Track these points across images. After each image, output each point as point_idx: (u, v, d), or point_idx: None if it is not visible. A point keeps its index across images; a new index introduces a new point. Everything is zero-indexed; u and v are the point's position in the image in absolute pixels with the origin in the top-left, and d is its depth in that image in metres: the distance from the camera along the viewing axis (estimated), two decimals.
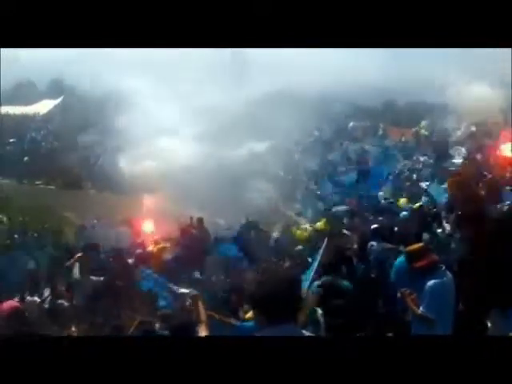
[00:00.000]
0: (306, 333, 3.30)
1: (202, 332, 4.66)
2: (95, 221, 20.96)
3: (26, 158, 30.22)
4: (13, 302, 10.25)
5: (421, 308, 5.78)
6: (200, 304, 4.98)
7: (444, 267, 6.08)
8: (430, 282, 5.77)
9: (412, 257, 6.08)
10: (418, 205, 13.66)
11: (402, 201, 15.66)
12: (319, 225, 16.43)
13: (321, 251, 8.10)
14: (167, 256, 14.89)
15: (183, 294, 5.57)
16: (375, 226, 11.35)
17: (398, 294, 6.23)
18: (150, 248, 15.69)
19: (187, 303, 5.22)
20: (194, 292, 5.24)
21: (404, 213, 13.48)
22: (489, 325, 6.68)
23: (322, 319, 6.27)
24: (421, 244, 6.50)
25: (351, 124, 31.98)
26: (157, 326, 7.44)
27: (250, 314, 6.44)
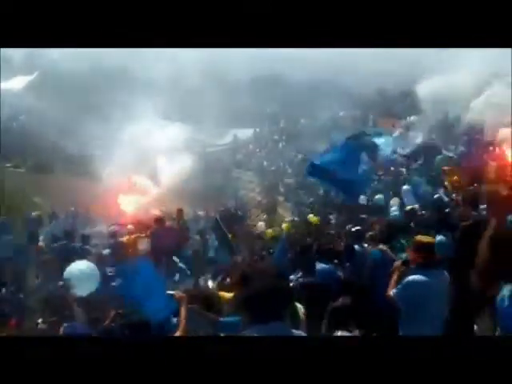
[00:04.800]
0: (295, 331, 3.33)
1: (180, 332, 4.82)
2: (72, 208, 19.76)
3: None
4: None
5: (394, 290, 5.84)
6: (184, 308, 5.08)
7: (443, 270, 5.96)
8: (411, 277, 5.76)
9: (414, 248, 6.04)
10: (410, 207, 12.86)
11: (394, 200, 14.75)
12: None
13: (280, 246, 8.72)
14: (141, 247, 13.88)
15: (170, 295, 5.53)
16: (356, 228, 10.76)
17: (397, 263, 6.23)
18: (124, 238, 14.56)
19: None
20: (180, 293, 5.33)
21: (394, 212, 12.71)
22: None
23: (303, 317, 6.01)
24: (429, 239, 6.14)
25: (341, 113, 31.05)
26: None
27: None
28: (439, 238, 7.84)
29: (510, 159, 14.14)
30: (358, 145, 11.58)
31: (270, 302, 3.11)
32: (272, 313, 3.11)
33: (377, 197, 16.12)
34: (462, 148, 19.45)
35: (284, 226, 15.96)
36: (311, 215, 16.77)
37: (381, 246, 7.50)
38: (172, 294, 5.40)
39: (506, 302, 3.48)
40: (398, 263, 6.17)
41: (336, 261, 8.40)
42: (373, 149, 12.77)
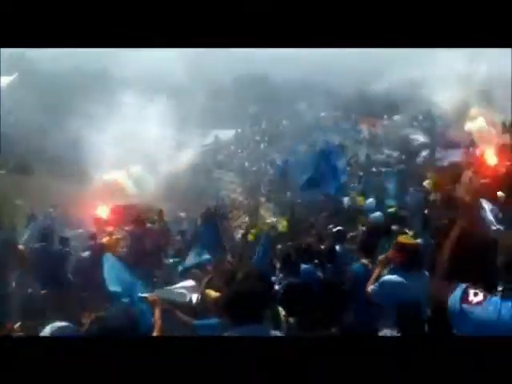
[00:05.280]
0: (274, 332, 3.37)
1: (156, 332, 4.65)
2: (51, 209, 19.51)
3: None
4: None
5: (372, 286, 5.84)
6: (158, 310, 4.93)
7: (424, 272, 5.85)
8: (387, 277, 5.77)
9: (395, 248, 5.95)
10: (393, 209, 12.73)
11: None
12: (281, 226, 15.58)
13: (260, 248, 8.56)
14: (122, 249, 13.69)
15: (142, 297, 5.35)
16: (338, 228, 10.52)
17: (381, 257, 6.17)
18: (104, 240, 14.40)
19: None
20: (153, 296, 5.18)
21: (377, 214, 12.53)
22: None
23: (283, 319, 5.90)
24: (410, 240, 6.14)
25: (323, 114, 31.14)
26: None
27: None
28: (419, 241, 7.79)
29: (487, 158, 14.21)
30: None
31: (250, 304, 3.13)
32: (251, 315, 3.13)
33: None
34: (441, 148, 19.60)
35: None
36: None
37: (363, 261, 7.25)
38: (145, 297, 5.31)
39: (457, 305, 3.48)
40: (382, 257, 6.14)
41: (316, 261, 8.37)
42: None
